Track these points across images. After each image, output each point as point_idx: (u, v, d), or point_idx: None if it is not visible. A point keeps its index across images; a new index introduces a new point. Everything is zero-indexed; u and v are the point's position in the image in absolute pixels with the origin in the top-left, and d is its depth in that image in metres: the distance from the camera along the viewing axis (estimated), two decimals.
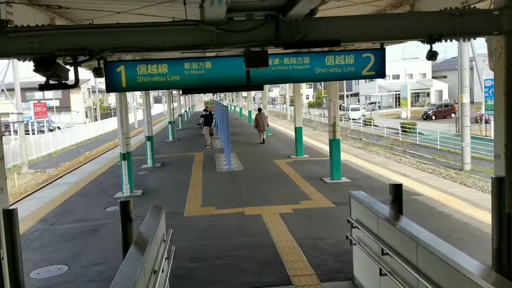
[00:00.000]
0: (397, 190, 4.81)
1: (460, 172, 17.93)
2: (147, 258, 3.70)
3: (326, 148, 18.31)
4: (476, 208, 8.61)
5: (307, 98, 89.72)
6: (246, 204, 9.64)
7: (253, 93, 52.56)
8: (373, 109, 58.07)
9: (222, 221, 8.59)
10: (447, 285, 3.25)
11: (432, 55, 5.00)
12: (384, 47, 5.76)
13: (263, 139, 21.04)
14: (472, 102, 39.96)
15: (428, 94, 66.62)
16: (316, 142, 20.85)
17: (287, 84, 69.98)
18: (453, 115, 43.75)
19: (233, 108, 58.11)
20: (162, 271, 4.12)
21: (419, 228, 3.98)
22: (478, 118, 32.22)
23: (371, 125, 37.85)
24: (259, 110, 22.23)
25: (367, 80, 72.99)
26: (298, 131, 16.13)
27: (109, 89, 5.60)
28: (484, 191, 11.76)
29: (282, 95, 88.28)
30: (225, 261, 6.43)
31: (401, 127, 32.55)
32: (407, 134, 31.74)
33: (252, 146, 20.27)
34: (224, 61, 5.72)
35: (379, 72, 5.82)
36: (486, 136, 27.63)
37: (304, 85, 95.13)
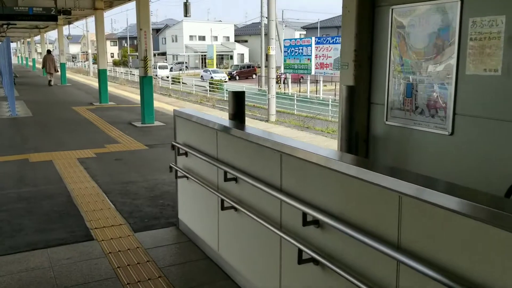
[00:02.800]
0: (238, 99, 3.65)
1: (267, 123, 18.21)
2: None
3: (134, 97, 16.56)
4: None
5: (112, 57, 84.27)
6: (33, 151, 7.46)
7: (50, 47, 45.99)
8: (180, 69, 57.53)
9: None
10: (336, 201, 2.19)
11: None
12: None
13: (50, 82, 20.64)
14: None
15: (231, 57, 68.86)
16: (123, 92, 18.83)
17: (89, 39, 63.85)
18: (254, 75, 46.45)
19: (25, 61, 50.73)
20: None
21: (279, 135, 2.89)
22: (278, 78, 34.32)
23: (179, 83, 37.02)
24: (48, 51, 21.93)
25: (174, 39, 71.91)
26: (102, 74, 13.91)
27: None
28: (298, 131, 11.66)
29: (84, 52, 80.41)
30: None
31: (209, 84, 32.80)
32: (215, 91, 32.15)
33: (46, 95, 17.24)
34: None
35: None
36: (285, 93, 29.37)
37: (108, 42, 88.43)
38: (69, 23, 28.01)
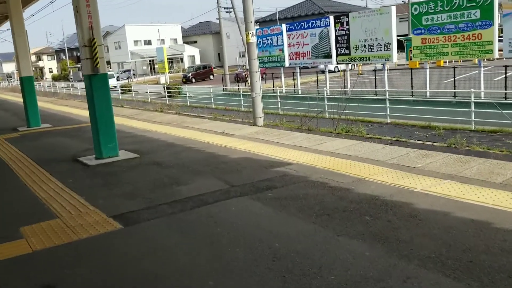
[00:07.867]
0: None
1: (255, 127, 14.07)
2: None
3: (79, 113, 12.05)
4: (409, 173, 4.20)
5: (51, 71, 78.04)
6: None
7: None
8: (128, 77, 52.82)
9: None
10: None
11: None
12: None
13: None
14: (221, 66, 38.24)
15: (182, 60, 64.74)
16: (62, 108, 14.14)
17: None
18: (211, 76, 43.06)
19: None
20: None
21: None
22: (237, 76, 31.62)
23: (130, 92, 32.35)
24: None
25: (117, 46, 67.04)
26: (26, 84, 9.30)
27: None
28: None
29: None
30: None
31: (167, 89, 28.79)
32: (174, 97, 28.19)
33: None
34: None
35: None
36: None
37: (45, 56, 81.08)
38: None
